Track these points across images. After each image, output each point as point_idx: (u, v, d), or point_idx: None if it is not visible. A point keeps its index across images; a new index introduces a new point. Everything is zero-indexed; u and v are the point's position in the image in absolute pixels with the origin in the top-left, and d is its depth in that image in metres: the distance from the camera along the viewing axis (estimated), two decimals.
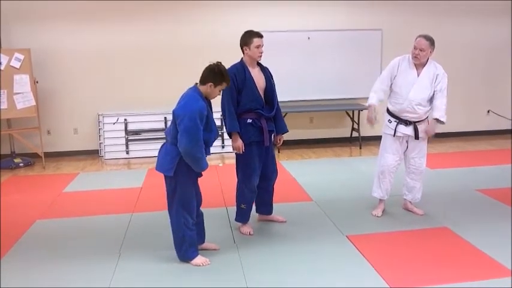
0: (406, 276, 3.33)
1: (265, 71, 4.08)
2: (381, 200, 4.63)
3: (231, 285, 3.25)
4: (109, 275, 3.42)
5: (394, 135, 4.36)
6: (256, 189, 4.13)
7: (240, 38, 3.95)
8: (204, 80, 3.35)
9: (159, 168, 3.44)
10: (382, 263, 3.51)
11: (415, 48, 4.20)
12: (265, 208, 4.36)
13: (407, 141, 4.41)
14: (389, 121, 4.40)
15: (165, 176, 3.44)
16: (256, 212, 4.39)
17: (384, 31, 7.90)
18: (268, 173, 4.16)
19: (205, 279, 3.34)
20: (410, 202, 4.62)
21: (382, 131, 4.53)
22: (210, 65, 3.36)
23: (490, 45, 8.36)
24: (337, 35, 7.79)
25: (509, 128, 8.70)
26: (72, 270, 3.52)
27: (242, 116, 3.94)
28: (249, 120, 3.94)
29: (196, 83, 3.42)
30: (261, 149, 4.02)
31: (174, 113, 3.33)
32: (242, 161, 4.03)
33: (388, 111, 4.45)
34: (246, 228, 4.18)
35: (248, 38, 3.90)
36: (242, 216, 4.20)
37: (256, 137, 3.97)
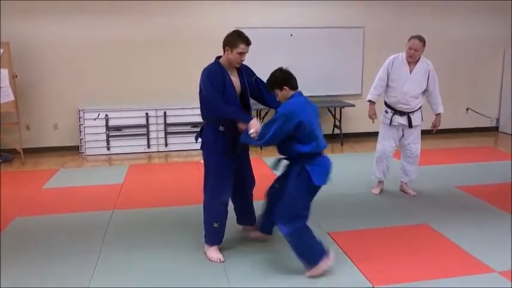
0: (388, 273, 3.37)
1: (241, 74, 3.67)
2: (379, 181, 5.05)
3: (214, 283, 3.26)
4: (89, 272, 3.39)
5: (390, 125, 4.81)
6: (228, 203, 3.69)
7: (226, 36, 3.48)
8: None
9: None
10: (363, 260, 3.54)
11: (410, 48, 4.58)
12: (248, 218, 3.97)
13: (402, 130, 4.84)
14: (386, 112, 4.86)
15: None
16: (238, 223, 4.01)
17: (366, 29, 7.95)
18: (246, 180, 3.80)
19: (189, 275, 3.34)
20: (406, 184, 5.07)
21: (380, 121, 4.98)
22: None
23: (469, 43, 8.46)
24: (320, 32, 7.81)
25: (488, 125, 8.86)
26: (52, 268, 3.48)
27: (213, 123, 3.56)
28: (221, 128, 3.52)
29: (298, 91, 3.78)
30: (233, 159, 3.60)
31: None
32: (213, 172, 3.59)
33: (385, 103, 4.89)
34: (216, 254, 3.59)
35: (235, 40, 3.42)
36: (214, 236, 3.64)
37: (229, 146, 3.55)
